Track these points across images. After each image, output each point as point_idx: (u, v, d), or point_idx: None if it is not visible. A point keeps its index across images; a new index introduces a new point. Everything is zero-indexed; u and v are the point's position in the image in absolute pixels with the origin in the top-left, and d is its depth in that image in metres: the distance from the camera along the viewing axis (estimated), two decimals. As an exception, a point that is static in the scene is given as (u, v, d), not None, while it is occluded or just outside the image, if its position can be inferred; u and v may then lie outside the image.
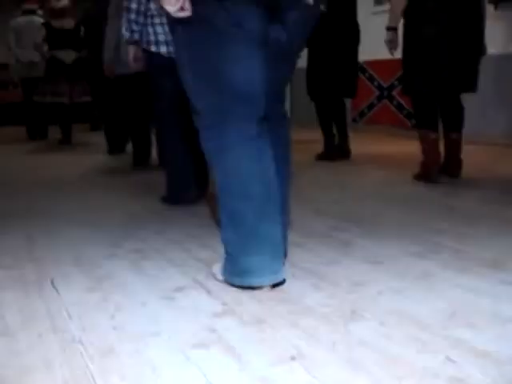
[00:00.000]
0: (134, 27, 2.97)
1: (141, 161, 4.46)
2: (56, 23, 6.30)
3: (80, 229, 2.51)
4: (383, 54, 3.62)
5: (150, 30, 2.93)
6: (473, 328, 1.39)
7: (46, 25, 6.36)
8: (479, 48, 3.34)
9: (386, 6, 3.63)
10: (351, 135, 4.65)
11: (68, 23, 6.30)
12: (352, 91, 4.64)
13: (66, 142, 6.59)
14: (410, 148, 4.44)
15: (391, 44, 3.54)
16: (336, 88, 4.50)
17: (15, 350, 1.35)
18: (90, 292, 1.72)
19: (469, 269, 1.84)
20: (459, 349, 1.28)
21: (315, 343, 1.34)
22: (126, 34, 3.02)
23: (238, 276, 1.70)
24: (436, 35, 3.24)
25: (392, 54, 3.60)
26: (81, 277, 1.86)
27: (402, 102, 6.38)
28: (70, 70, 6.29)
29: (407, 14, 3.36)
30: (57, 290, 1.74)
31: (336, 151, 4.58)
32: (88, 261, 2.04)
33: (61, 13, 6.30)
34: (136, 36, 2.99)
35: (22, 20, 6.99)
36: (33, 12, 7.05)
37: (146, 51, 2.98)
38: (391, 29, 3.50)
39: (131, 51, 3.09)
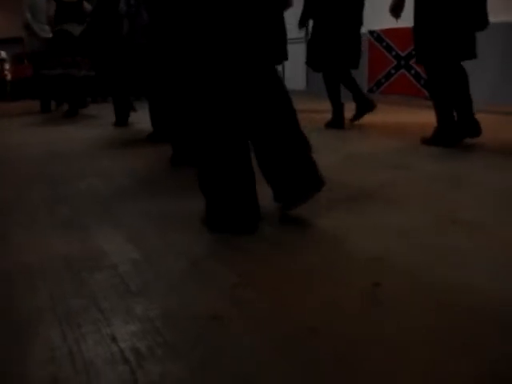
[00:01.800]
0: (132, 1, 2.94)
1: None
2: None
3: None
4: (400, 22, 3.55)
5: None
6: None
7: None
8: (484, 18, 3.30)
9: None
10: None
11: None
12: (355, 62, 4.59)
13: (72, 113, 6.66)
14: (426, 118, 4.35)
15: (395, 11, 3.50)
16: (338, 59, 4.47)
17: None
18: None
19: (491, 243, 1.79)
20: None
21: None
22: (123, 8, 2.98)
23: None
24: (448, 3, 3.21)
25: (396, 21, 3.57)
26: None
27: (420, 71, 6.26)
28: (78, 42, 6.28)
29: None
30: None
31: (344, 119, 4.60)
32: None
33: None
34: (133, 10, 2.95)
35: None
36: None
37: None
38: None
39: (125, 26, 3.05)
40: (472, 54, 3.33)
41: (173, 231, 1.99)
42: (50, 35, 6.75)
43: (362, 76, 6.31)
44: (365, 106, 4.60)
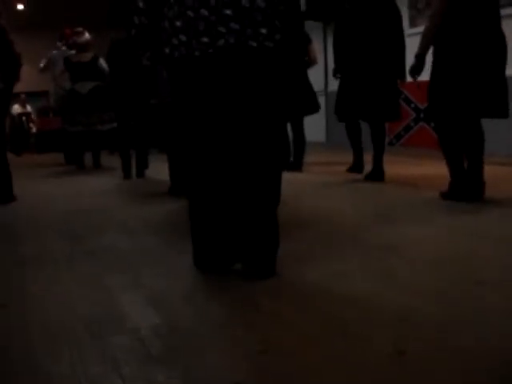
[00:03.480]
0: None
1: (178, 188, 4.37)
2: (74, 58, 6.69)
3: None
4: (420, 75, 3.60)
5: None
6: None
7: (66, 60, 6.73)
8: (503, 74, 3.32)
9: (421, 28, 3.61)
10: (387, 157, 4.60)
11: (85, 57, 6.62)
12: (396, 113, 4.57)
13: (95, 166, 6.92)
14: (445, 170, 4.35)
15: (413, 74, 3.55)
16: (377, 111, 4.42)
17: None
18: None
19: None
20: None
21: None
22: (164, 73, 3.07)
23: None
24: (464, 63, 3.25)
25: (415, 79, 3.62)
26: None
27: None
28: (86, 100, 6.57)
29: (436, 42, 3.38)
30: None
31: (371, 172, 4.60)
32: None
33: (84, 47, 6.66)
34: None
35: (56, 53, 7.43)
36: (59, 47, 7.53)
37: None
38: (418, 56, 3.49)
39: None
40: (493, 113, 3.33)
41: (195, 293, 1.97)
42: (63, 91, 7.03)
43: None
44: (374, 174, 4.56)
